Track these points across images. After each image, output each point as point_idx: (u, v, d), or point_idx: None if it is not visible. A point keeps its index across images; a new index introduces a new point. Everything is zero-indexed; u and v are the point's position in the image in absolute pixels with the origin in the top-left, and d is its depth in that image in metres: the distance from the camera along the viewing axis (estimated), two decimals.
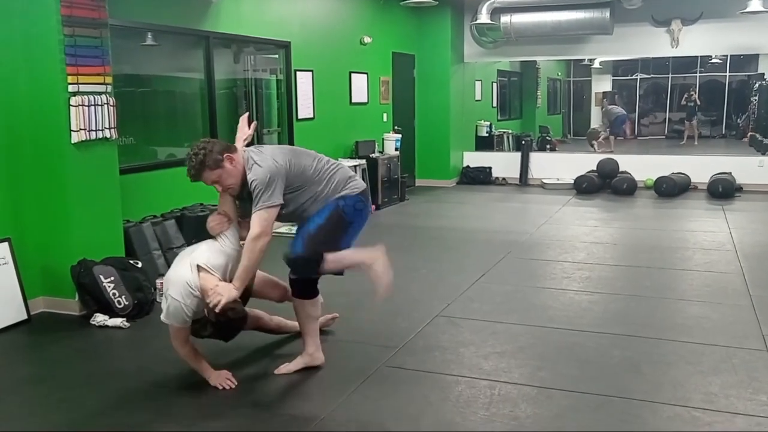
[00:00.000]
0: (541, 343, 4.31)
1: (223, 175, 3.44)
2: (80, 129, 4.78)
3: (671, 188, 10.22)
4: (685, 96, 20.24)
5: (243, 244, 3.53)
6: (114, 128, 5.04)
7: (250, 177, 3.42)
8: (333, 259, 3.63)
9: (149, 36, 6.32)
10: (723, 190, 9.92)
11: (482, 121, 13.65)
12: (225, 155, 3.42)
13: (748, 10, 9.22)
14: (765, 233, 7.60)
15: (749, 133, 18.83)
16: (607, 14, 10.17)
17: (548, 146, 15.67)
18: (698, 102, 20.01)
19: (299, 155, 3.65)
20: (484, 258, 6.48)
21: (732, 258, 6.40)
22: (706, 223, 8.20)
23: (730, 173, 10.39)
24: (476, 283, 5.64)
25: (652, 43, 10.85)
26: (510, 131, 15.07)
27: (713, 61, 21.37)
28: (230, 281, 3.46)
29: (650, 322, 4.68)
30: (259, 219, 3.40)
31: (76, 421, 3.33)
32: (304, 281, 3.73)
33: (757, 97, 19.13)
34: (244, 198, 3.60)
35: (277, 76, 8.32)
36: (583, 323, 4.67)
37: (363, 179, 8.74)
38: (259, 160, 3.47)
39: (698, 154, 12.61)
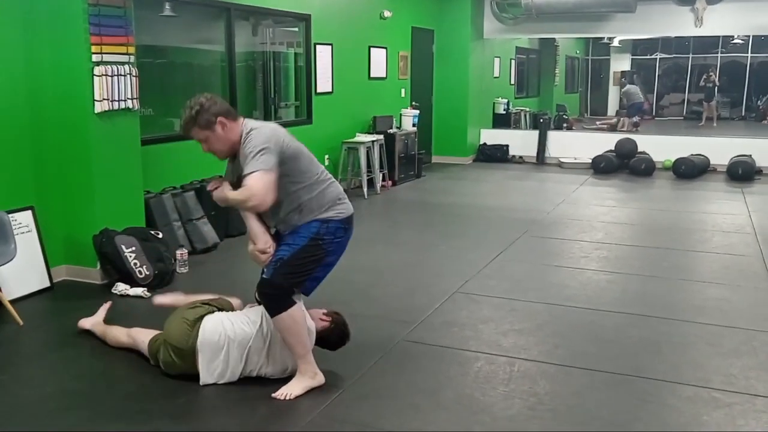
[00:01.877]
0: (560, 321, 4.32)
1: (211, 138, 3.16)
2: (103, 99, 4.79)
3: (690, 169, 10.13)
4: (704, 77, 19.99)
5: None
6: (136, 99, 5.05)
7: (245, 144, 3.10)
8: (291, 322, 3.21)
9: (167, 7, 6.29)
10: (743, 173, 9.82)
11: (500, 99, 13.55)
12: (219, 118, 3.13)
13: None
14: None
15: None
16: None
17: (565, 125, 15.57)
18: (717, 83, 19.76)
19: (299, 144, 3.30)
20: (502, 236, 6.48)
21: (751, 241, 6.36)
22: (725, 205, 8.14)
23: (750, 156, 10.28)
24: (494, 260, 5.64)
25: (676, 22, 10.69)
26: (527, 109, 14.96)
27: (735, 41, 21.05)
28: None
29: (669, 303, 4.68)
30: (250, 180, 2.98)
31: (101, 387, 3.38)
32: (272, 294, 3.22)
33: None
34: (239, 180, 3.16)
35: (294, 50, 8.28)
36: (601, 302, 4.68)
37: (380, 155, 8.82)
38: (257, 125, 3.19)
39: (718, 136, 12.48)
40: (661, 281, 5.18)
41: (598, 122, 15.95)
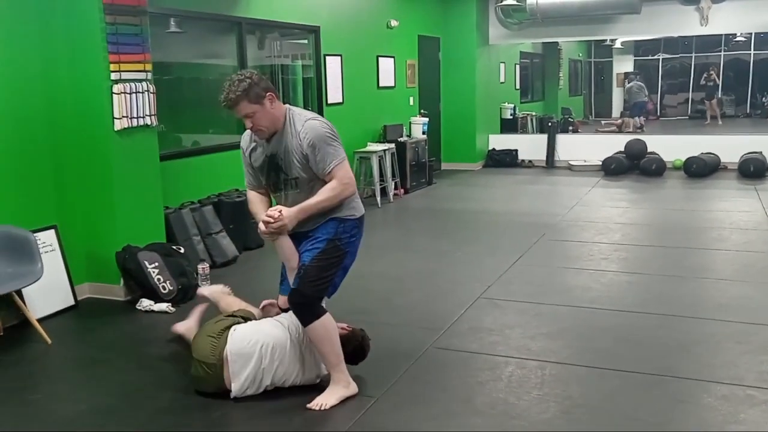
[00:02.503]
0: (586, 324, 4.32)
1: (258, 113, 3.09)
2: (123, 116, 4.83)
3: (701, 168, 10.13)
4: (704, 76, 20.08)
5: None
6: (154, 115, 5.09)
7: (305, 132, 3.11)
8: (323, 331, 3.23)
9: (173, 23, 6.28)
10: (754, 170, 9.82)
11: (506, 104, 13.58)
12: (268, 93, 3.11)
13: None
14: None
15: None
16: None
17: (570, 128, 15.58)
18: (717, 81, 19.81)
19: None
20: (519, 240, 6.48)
21: None
22: (740, 203, 8.13)
23: (761, 152, 10.27)
24: (514, 265, 5.64)
25: (681, 21, 10.72)
26: (533, 113, 14.98)
27: (737, 39, 21.07)
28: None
29: (693, 302, 4.67)
30: (346, 169, 3.13)
31: (135, 402, 3.39)
32: (302, 303, 3.23)
33: None
34: (274, 163, 3.22)
35: (303, 62, 8.32)
36: (625, 304, 4.67)
37: (392, 163, 8.84)
38: (312, 116, 3.21)
39: (727, 134, 12.47)
40: (683, 281, 5.17)
41: (603, 123, 15.93)
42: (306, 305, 3.19)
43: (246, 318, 3.58)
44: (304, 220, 3.21)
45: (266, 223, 3.13)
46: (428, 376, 3.61)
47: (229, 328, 3.40)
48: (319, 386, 3.39)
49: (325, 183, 3.18)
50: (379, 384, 3.49)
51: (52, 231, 4.77)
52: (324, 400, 3.26)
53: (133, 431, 3.12)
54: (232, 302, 3.94)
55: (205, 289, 4.27)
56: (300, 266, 3.20)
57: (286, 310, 3.46)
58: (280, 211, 3.13)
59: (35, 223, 4.64)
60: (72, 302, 4.81)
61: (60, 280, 4.76)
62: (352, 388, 3.34)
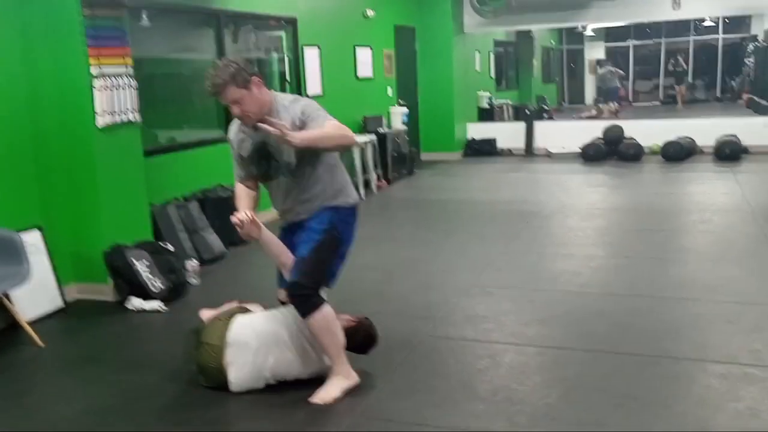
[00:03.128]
0: (579, 308, 4.35)
1: (246, 98, 3.05)
2: (104, 112, 4.74)
3: (678, 152, 10.26)
4: (671, 61, 20.42)
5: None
6: (137, 110, 5.01)
7: (294, 105, 3.11)
8: (324, 322, 3.19)
9: (147, 16, 6.15)
10: (730, 153, 9.96)
11: (482, 93, 13.61)
12: (254, 78, 3.08)
13: None
14: None
15: (746, 96, 18.89)
16: None
17: (545, 115, 15.67)
18: (685, 66, 20.15)
19: None
20: (504, 228, 6.51)
21: (750, 219, 6.45)
22: (718, 185, 8.25)
23: (736, 135, 10.42)
24: (502, 253, 5.67)
25: (654, 6, 10.82)
26: (509, 102, 15.03)
27: (706, 24, 21.35)
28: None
29: (682, 284, 4.73)
30: (340, 123, 3.08)
31: (134, 401, 3.35)
32: (301, 295, 3.18)
33: (752, 59, 19.16)
34: (264, 150, 3.18)
35: (279, 54, 8.25)
36: (616, 287, 4.72)
37: (374, 154, 8.82)
38: (294, 96, 3.26)
39: (701, 117, 12.63)
40: (669, 263, 5.24)
41: (582, 115, 16.07)
42: (305, 296, 3.17)
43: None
44: (299, 207, 3.21)
45: (235, 225, 3.10)
46: (427, 364, 3.61)
47: (234, 315, 3.39)
48: (320, 379, 3.37)
49: (316, 170, 3.17)
50: (378, 373, 3.49)
51: (37, 232, 4.68)
52: (326, 393, 3.24)
53: (135, 430, 3.08)
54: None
55: (205, 313, 4.13)
56: (298, 259, 3.17)
57: (283, 304, 3.44)
58: (250, 217, 3.09)
59: (19, 224, 4.53)
60: (60, 304, 4.72)
61: (47, 281, 4.67)
62: (353, 379, 3.33)
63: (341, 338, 3.27)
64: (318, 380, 3.34)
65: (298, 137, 2.96)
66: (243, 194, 3.32)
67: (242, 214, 3.10)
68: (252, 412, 3.21)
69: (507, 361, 3.61)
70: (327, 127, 3.04)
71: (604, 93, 17.26)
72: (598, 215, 6.99)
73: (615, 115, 15.81)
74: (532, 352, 3.72)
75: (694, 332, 3.89)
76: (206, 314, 3.92)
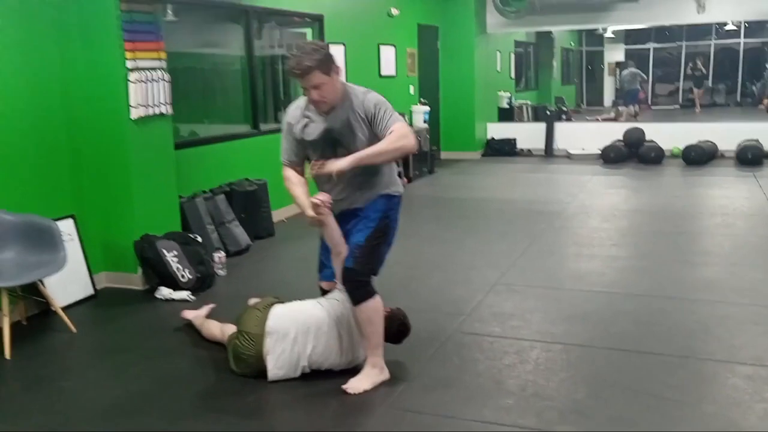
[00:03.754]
0: (605, 308, 4.38)
1: (327, 85, 3.08)
2: (138, 105, 4.82)
3: (700, 156, 10.23)
4: (690, 65, 20.37)
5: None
6: (169, 104, 5.09)
7: (368, 99, 3.14)
8: (373, 312, 3.27)
9: (180, 11, 6.22)
10: (752, 157, 9.93)
11: (502, 93, 13.62)
12: (335, 66, 3.13)
13: None
14: None
15: (766, 101, 18.78)
16: None
17: (564, 117, 15.64)
18: (704, 71, 20.10)
19: None
20: (527, 227, 6.54)
21: None
22: (741, 189, 8.24)
23: (758, 140, 10.38)
24: (526, 251, 5.70)
25: (679, 9, 10.79)
26: (529, 102, 15.02)
27: (727, 28, 21.21)
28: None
29: (707, 286, 4.75)
30: (405, 127, 3.10)
31: (168, 388, 3.42)
32: (356, 281, 3.26)
33: None
34: (331, 137, 3.19)
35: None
36: (641, 288, 4.74)
37: None
38: (366, 89, 3.25)
39: (722, 121, 12.58)
40: (694, 265, 5.25)
41: (599, 118, 16.02)
42: (360, 283, 3.24)
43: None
44: (356, 195, 3.26)
45: (315, 206, 3.13)
46: (456, 359, 3.66)
47: (273, 305, 3.46)
48: (351, 370, 3.42)
49: None
50: (408, 367, 3.54)
51: (71, 220, 4.77)
52: (359, 384, 3.29)
53: (171, 417, 3.15)
54: (212, 328, 3.92)
55: (189, 313, 4.19)
56: (354, 246, 3.22)
57: (324, 293, 3.50)
58: (328, 199, 3.14)
59: (53, 212, 4.62)
60: (91, 291, 4.81)
61: (79, 269, 4.76)
62: (385, 374, 3.38)
63: (382, 331, 3.33)
64: (349, 371, 3.40)
65: (347, 161, 3.02)
66: (296, 179, 3.33)
67: (323, 195, 3.15)
68: (285, 400, 3.27)
69: (534, 357, 3.65)
70: (389, 138, 3.04)
71: (624, 95, 17.21)
72: (620, 217, 7.00)
73: (634, 117, 15.76)
74: (559, 349, 3.75)
75: (720, 333, 3.90)
76: (189, 314, 4.05)
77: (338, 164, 3.05)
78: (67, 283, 4.60)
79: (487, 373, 3.48)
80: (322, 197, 3.15)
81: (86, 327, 4.31)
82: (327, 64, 3.07)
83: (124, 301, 4.78)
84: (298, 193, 3.28)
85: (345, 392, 3.25)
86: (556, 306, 4.42)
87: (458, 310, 4.35)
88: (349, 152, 3.12)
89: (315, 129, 3.21)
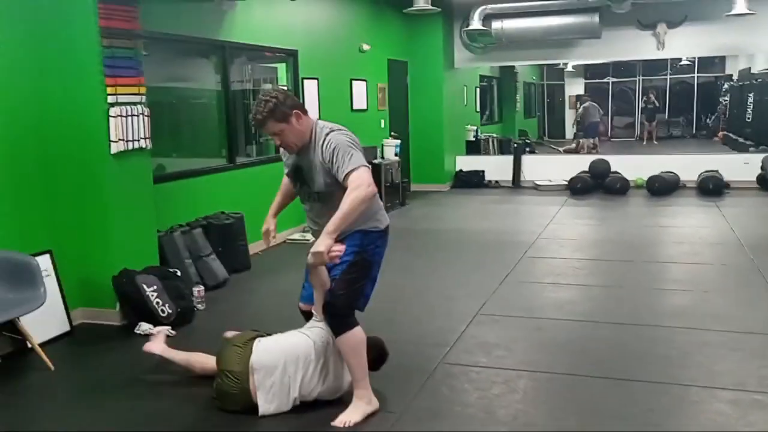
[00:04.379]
0: (586, 336, 4.46)
1: (285, 131, 3.20)
2: (119, 139, 4.80)
3: (663, 186, 10.51)
4: (644, 99, 21.11)
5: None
6: (148, 138, 5.07)
7: (327, 143, 3.17)
8: (354, 343, 3.30)
9: (156, 47, 6.22)
10: (713, 187, 10.23)
11: (469, 126, 13.85)
12: (294, 111, 3.20)
13: (733, 12, 9.53)
14: (764, 226, 7.91)
15: (721, 133, 19.41)
16: (596, 18, 10.44)
17: (527, 149, 15.92)
18: (657, 104, 20.85)
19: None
20: (502, 258, 6.62)
21: (739, 251, 6.64)
22: (704, 219, 8.48)
23: (717, 171, 10.71)
24: (504, 282, 5.77)
25: (639, 46, 11.16)
26: (495, 135, 15.30)
27: (682, 63, 21.97)
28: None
29: (683, 313, 4.86)
30: (360, 173, 3.08)
31: (157, 425, 3.37)
32: (335, 314, 3.31)
33: (727, 98, 19.73)
34: (300, 175, 3.34)
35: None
36: (619, 316, 4.83)
37: None
38: (336, 128, 3.29)
39: (684, 153, 12.96)
40: (669, 293, 5.38)
41: (562, 150, 16.38)
42: (340, 317, 3.26)
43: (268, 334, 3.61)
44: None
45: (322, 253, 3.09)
46: (445, 390, 3.68)
47: (253, 339, 3.44)
48: (339, 402, 3.42)
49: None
50: (398, 399, 3.55)
51: (47, 256, 4.69)
52: (348, 417, 3.29)
53: None
54: (205, 360, 3.81)
55: (155, 347, 4.01)
56: (332, 281, 3.25)
57: (306, 314, 3.54)
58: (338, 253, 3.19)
59: (30, 247, 4.54)
60: (67, 328, 4.72)
61: (55, 305, 4.67)
62: (374, 404, 3.38)
63: (366, 362, 3.34)
64: (336, 402, 3.40)
65: (323, 243, 3.05)
66: (281, 190, 3.69)
67: (340, 248, 3.19)
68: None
69: (522, 387, 3.69)
70: (346, 198, 3.06)
71: (585, 128, 17.63)
72: (592, 246, 7.14)
73: (594, 150, 16.13)
74: (545, 378, 3.80)
75: (700, 360, 4.00)
76: (155, 348, 3.98)
77: (316, 247, 3.08)
78: (43, 320, 4.48)
79: (477, 403, 3.50)
80: (339, 250, 3.17)
81: (65, 364, 4.22)
82: (279, 111, 3.17)
83: (102, 338, 4.70)
84: (276, 200, 3.66)
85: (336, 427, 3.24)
86: (537, 335, 4.48)
87: (443, 341, 4.38)
88: (311, 191, 3.32)
89: (291, 164, 3.42)
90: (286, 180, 3.61)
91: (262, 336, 3.54)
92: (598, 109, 18.02)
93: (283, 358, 3.34)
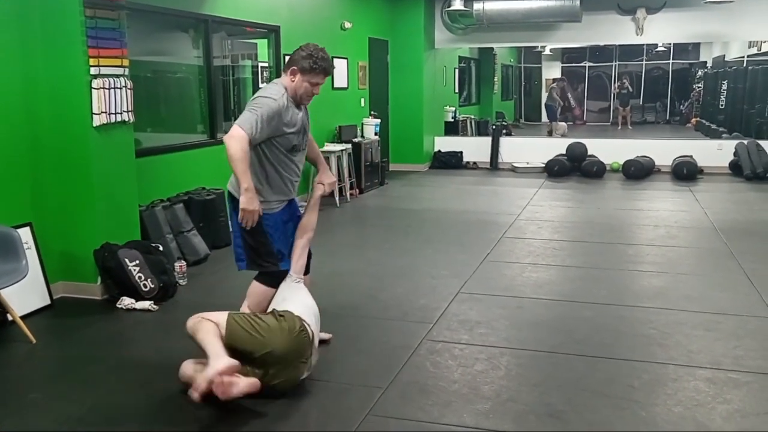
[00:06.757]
0: (566, 315, 4.54)
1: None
2: (101, 112, 4.74)
3: (639, 170, 10.66)
4: (618, 84, 21.34)
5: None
6: (131, 111, 5.01)
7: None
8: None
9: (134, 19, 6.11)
10: (687, 172, 10.41)
11: (447, 107, 13.87)
12: None
13: None
14: (737, 211, 8.06)
15: (695, 119, 19.69)
16: (577, 2, 10.48)
17: (504, 131, 16.00)
18: (630, 89, 21.09)
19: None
20: (482, 238, 6.68)
21: (713, 235, 6.78)
22: (679, 202, 8.62)
23: (692, 156, 10.89)
24: (484, 261, 5.83)
25: (619, 31, 11.24)
26: (473, 116, 15.36)
27: (658, 49, 22.18)
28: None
29: (661, 294, 4.96)
30: (232, 128, 3.46)
31: (142, 397, 3.37)
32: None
33: (701, 85, 19.99)
34: (304, 126, 3.78)
35: (252, 62, 8.30)
36: (598, 296, 4.92)
37: (349, 163, 8.93)
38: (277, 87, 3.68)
39: (659, 138, 13.14)
40: (647, 275, 5.48)
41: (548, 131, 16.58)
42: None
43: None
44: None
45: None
46: (429, 366, 3.72)
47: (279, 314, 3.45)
48: (343, 404, 3.45)
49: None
50: (383, 375, 3.59)
51: (27, 228, 4.63)
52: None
53: (140, 429, 3.11)
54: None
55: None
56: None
57: None
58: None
59: (10, 220, 4.48)
60: (48, 301, 4.68)
61: (36, 278, 4.62)
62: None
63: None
64: (341, 403, 3.43)
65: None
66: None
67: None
68: (263, 411, 3.26)
69: (505, 363, 3.75)
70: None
71: (547, 112, 17.77)
72: (569, 228, 7.23)
73: (563, 135, 16.26)
74: (528, 355, 3.87)
75: (677, 339, 4.10)
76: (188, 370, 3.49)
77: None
78: (23, 293, 4.45)
79: (461, 379, 3.56)
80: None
81: (46, 338, 4.19)
82: None
83: (83, 311, 4.66)
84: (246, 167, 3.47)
85: (321, 401, 3.28)
86: (519, 314, 4.55)
87: (426, 319, 4.43)
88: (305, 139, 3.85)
89: (299, 119, 3.69)
90: (248, 149, 3.45)
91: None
92: (560, 92, 18.18)
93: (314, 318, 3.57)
